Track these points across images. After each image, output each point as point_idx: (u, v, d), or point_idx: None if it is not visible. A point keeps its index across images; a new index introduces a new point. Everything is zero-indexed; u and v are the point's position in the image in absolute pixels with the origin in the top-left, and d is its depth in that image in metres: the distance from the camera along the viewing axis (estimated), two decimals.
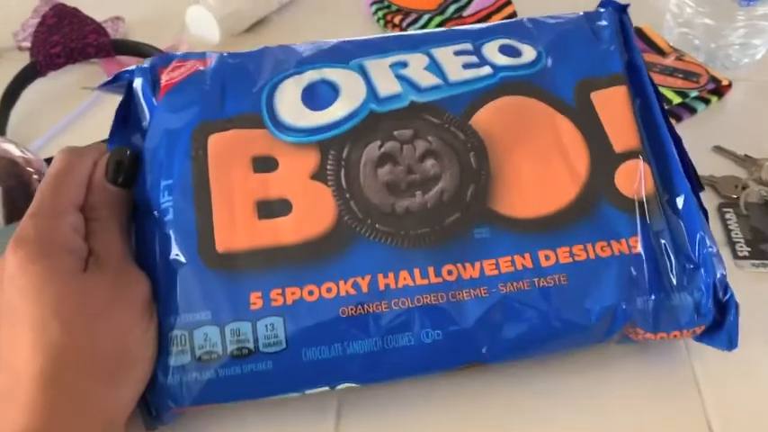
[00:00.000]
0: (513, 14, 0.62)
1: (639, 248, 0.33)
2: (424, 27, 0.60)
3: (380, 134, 0.35)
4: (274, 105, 0.35)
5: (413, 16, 0.61)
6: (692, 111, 0.52)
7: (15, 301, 0.29)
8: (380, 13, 0.62)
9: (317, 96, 0.36)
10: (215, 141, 0.34)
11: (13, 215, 0.37)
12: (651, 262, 0.33)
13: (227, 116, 0.35)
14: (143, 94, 0.36)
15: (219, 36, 0.60)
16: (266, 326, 0.31)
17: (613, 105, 0.36)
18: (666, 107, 0.52)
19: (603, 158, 0.35)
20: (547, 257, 0.33)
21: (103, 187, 0.34)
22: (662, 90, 0.52)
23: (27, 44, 0.56)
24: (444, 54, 0.38)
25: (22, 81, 0.51)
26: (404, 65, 0.37)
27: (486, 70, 0.37)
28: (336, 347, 0.32)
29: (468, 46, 0.38)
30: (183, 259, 0.32)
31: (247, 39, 0.62)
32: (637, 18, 0.41)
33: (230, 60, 0.37)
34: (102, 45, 0.54)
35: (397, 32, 0.58)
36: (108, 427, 0.29)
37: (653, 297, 0.33)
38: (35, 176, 0.39)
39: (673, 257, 0.34)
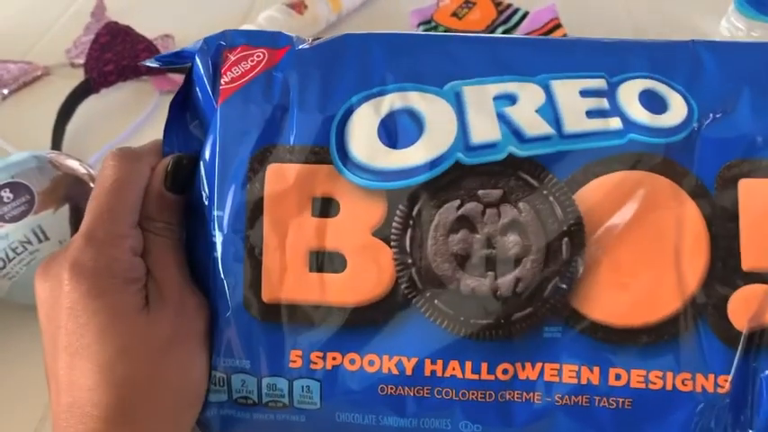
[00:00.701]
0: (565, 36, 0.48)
1: (728, 388, 0.29)
2: None
3: (462, 192, 0.30)
4: (345, 137, 0.30)
5: None
6: None
7: (77, 336, 0.28)
8: None
9: (397, 130, 0.30)
10: (274, 173, 0.30)
11: None
12: (736, 400, 0.29)
13: (291, 143, 0.30)
14: (202, 85, 0.31)
15: None
16: (302, 387, 0.31)
17: (763, 204, 0.29)
18: None
19: (724, 273, 0.29)
20: (618, 377, 0.30)
21: (161, 195, 0.31)
22: None
23: (79, 61, 0.57)
24: (567, 92, 0.30)
25: (76, 98, 0.52)
26: (512, 99, 0.30)
27: (615, 124, 0.29)
28: (370, 418, 0.31)
29: (601, 84, 0.30)
30: (228, 303, 0.31)
31: None
32: None
33: (306, 56, 0.31)
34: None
35: (517, 35, 0.46)
36: None
37: None
38: None
39: (765, 397, 0.29)
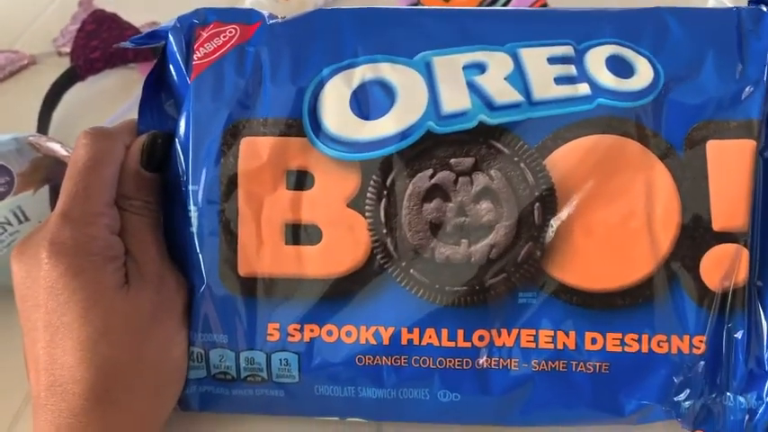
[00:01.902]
0: None
1: (703, 349, 0.29)
2: None
3: (435, 161, 0.30)
4: (318, 110, 0.30)
5: None
6: None
7: (57, 314, 0.28)
8: None
9: (368, 101, 0.30)
10: (247, 146, 0.30)
11: None
12: (712, 362, 0.29)
13: (263, 116, 0.30)
14: (175, 62, 0.32)
15: None
16: (281, 360, 0.31)
17: (731, 164, 0.29)
18: None
19: (695, 234, 0.29)
20: (593, 341, 0.30)
21: (137, 173, 0.31)
22: None
23: (66, 50, 0.57)
24: (535, 58, 0.30)
25: (62, 85, 0.52)
26: (481, 68, 0.30)
27: (583, 89, 0.30)
28: (349, 390, 0.31)
29: (568, 50, 0.30)
30: (203, 278, 0.31)
31: None
32: None
33: (277, 31, 0.31)
34: (140, 50, 0.53)
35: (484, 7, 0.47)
36: None
37: (702, 398, 0.30)
38: None
39: (741, 358, 0.29)
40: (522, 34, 0.30)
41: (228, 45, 0.31)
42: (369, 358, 0.30)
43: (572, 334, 0.30)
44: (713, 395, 0.30)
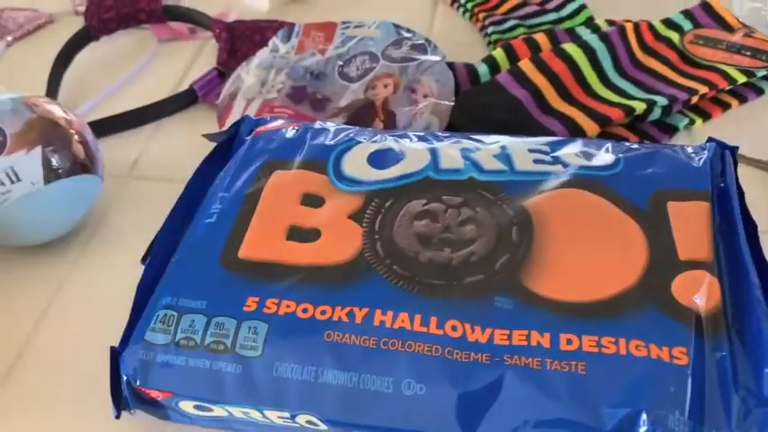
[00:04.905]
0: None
1: (687, 361, 0.28)
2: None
3: (428, 195, 0.35)
4: (341, 160, 0.37)
5: None
6: (759, 92, 0.47)
7: None
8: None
9: (381, 159, 0.37)
10: (277, 175, 0.37)
11: (51, 175, 0.38)
12: (698, 383, 0.27)
13: (297, 158, 0.38)
14: (241, 138, 0.41)
15: (269, 3, 0.59)
16: (249, 327, 0.30)
17: (690, 216, 0.33)
18: (730, 87, 0.47)
19: (664, 261, 0.31)
20: (569, 341, 0.29)
21: None
22: (726, 69, 0.47)
23: (83, 9, 0.57)
24: (517, 148, 0.37)
25: (75, 45, 0.51)
26: (473, 150, 0.38)
27: (557, 167, 0.36)
28: (310, 371, 0.29)
29: (544, 147, 0.38)
30: (204, 253, 0.33)
31: (297, 6, 0.61)
32: None
33: (315, 126, 0.41)
34: (153, 11, 0.53)
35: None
36: None
37: (691, 422, 0.26)
38: (75, 137, 0.40)
39: (732, 388, 0.27)
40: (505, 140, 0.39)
41: (280, 128, 0.40)
42: (338, 335, 0.30)
43: (546, 335, 0.29)
44: (702, 427, 0.26)
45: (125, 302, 0.39)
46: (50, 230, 0.40)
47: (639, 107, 0.45)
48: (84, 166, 0.40)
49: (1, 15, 0.60)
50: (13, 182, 0.36)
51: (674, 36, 0.51)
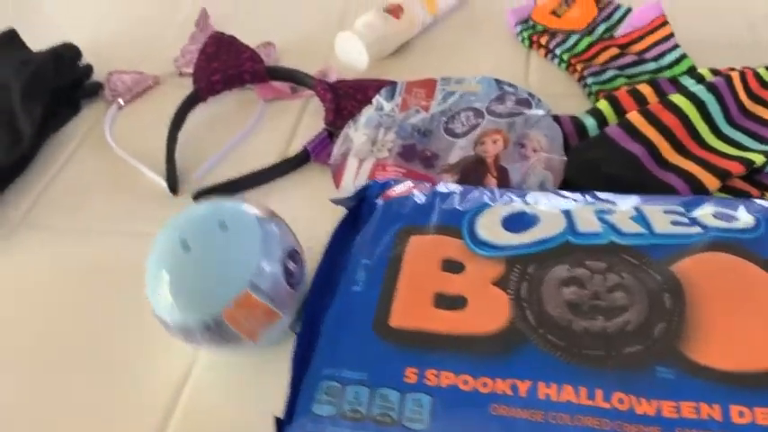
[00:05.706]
0: (671, 35, 0.57)
1: None
2: (572, 48, 0.59)
3: (571, 260, 0.35)
4: (475, 224, 0.38)
5: (560, 37, 0.60)
6: None
7: None
8: (525, 34, 0.61)
9: (516, 222, 0.38)
10: (415, 240, 0.38)
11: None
12: None
13: (430, 224, 0.39)
14: (371, 199, 0.42)
15: (368, 62, 0.60)
16: (414, 400, 0.31)
17: None
18: None
19: None
20: (741, 414, 0.29)
21: None
22: None
23: (186, 70, 0.60)
24: (653, 210, 0.38)
25: (187, 107, 0.54)
26: (609, 212, 0.38)
27: (696, 230, 0.36)
28: None
29: (679, 208, 0.38)
30: (356, 322, 0.34)
31: (393, 62, 0.63)
32: None
33: (441, 190, 0.41)
34: (257, 72, 0.56)
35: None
36: None
37: None
38: None
39: None
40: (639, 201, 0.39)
41: (409, 191, 0.41)
42: (504, 408, 0.30)
43: (716, 406, 0.29)
44: None
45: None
46: None
47: (759, 160, 0.45)
48: None
49: (110, 79, 0.63)
50: None
51: None
